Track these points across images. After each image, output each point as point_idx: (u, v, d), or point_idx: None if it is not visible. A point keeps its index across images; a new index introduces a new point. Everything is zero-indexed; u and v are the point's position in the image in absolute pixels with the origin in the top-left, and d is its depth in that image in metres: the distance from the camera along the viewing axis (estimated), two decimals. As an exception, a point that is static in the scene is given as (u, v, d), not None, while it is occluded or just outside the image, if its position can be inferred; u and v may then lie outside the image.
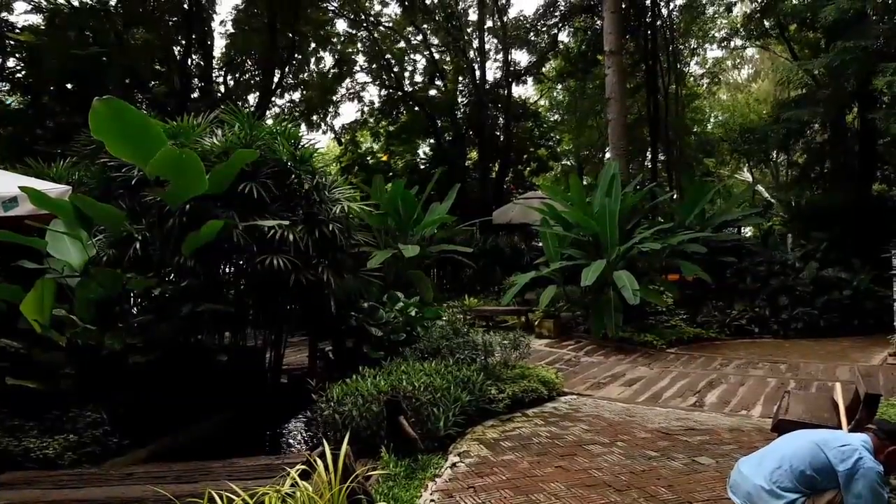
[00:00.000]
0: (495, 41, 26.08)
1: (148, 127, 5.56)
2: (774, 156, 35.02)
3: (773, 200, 24.75)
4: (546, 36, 25.94)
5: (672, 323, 11.67)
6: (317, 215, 6.48)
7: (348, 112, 61.90)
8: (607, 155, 33.49)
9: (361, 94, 25.44)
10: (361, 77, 25.79)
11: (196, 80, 15.41)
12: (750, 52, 36.65)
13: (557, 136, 31.29)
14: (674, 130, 26.37)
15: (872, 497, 3.00)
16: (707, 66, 33.20)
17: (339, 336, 7.11)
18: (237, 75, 18.01)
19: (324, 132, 26.13)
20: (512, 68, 26.14)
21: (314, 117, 25.37)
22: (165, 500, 3.41)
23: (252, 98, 19.67)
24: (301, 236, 6.27)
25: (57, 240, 5.71)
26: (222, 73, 17.59)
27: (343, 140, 26.94)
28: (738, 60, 37.21)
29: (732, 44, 28.11)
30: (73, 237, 5.70)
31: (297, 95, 23.67)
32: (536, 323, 11.41)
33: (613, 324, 10.22)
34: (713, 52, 43.41)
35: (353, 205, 6.73)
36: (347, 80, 25.25)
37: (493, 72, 26.50)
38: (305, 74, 23.46)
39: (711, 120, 34.93)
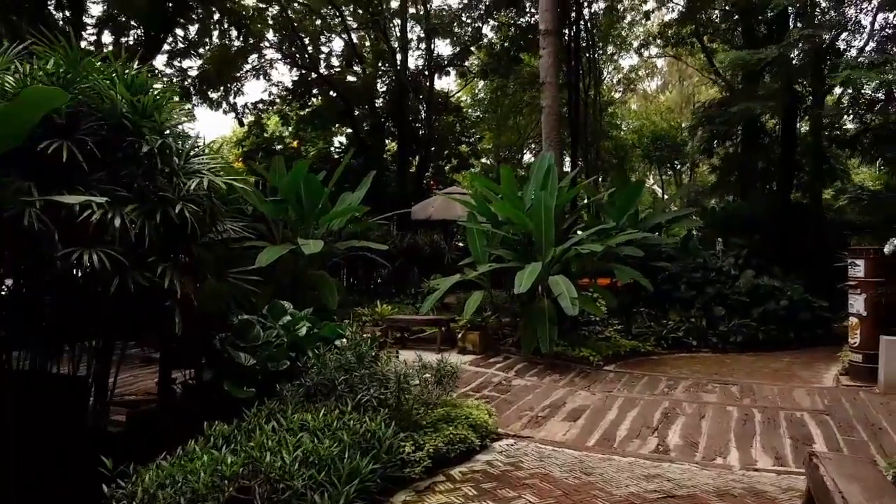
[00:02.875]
0: (418, 29, 24.16)
1: None
2: (678, 165, 35.15)
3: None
4: (470, 28, 24.26)
5: (606, 334, 10.15)
6: (159, 192, 4.32)
7: (254, 91, 56.91)
8: (527, 157, 32.64)
9: (269, 70, 22.77)
10: (271, 54, 23.13)
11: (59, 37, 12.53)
12: (660, 62, 36.65)
13: (478, 135, 29.80)
14: (592, 134, 25.44)
15: None
16: (623, 73, 32.71)
17: (197, 364, 4.97)
18: (118, 37, 15.15)
19: (225, 112, 23.24)
20: (435, 59, 24.28)
21: (213, 94, 22.50)
22: None
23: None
24: (133, 221, 4.11)
25: None
26: (96, 31, 14.68)
27: (246, 122, 24.14)
28: (649, 72, 37.08)
29: (647, 52, 27.66)
30: None
31: (191, 65, 20.70)
32: (459, 335, 9.57)
33: (548, 338, 8.52)
34: (627, 61, 43.58)
35: (220, 180, 4.57)
36: (254, 56, 22.54)
37: (414, 59, 24.56)
38: (205, 48, 20.64)
39: (624, 127, 34.44)
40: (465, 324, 9.63)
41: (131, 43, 15.58)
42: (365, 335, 6.70)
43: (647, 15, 24.79)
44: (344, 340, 5.92)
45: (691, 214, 12.91)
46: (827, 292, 11.55)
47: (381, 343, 6.93)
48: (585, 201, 12.21)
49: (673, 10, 23.35)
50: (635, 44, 27.52)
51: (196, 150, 4.90)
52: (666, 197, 33.92)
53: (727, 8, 20.05)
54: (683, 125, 35.10)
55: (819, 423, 6.12)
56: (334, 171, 12.38)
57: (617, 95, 33.03)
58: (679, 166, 35.32)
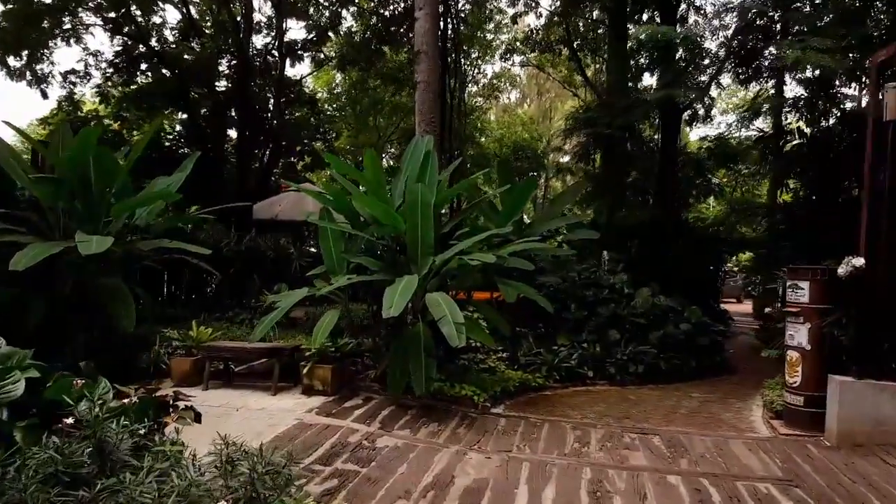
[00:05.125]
0: (268, 6, 21.17)
1: None
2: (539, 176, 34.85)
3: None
4: (327, 12, 21.66)
5: (490, 364, 8.16)
6: None
7: (69, 62, 48.21)
8: (387, 162, 30.46)
9: (82, 35, 18.61)
10: (90, 18, 18.94)
11: None
12: (520, 74, 36.27)
13: (334, 132, 27.13)
14: (458, 139, 23.91)
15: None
16: (487, 80, 31.74)
17: None
18: None
19: (29, 84, 18.69)
20: (287, 43, 21.35)
21: (13, 60, 17.98)
22: None
23: None
24: None
25: None
26: None
27: (58, 99, 19.71)
28: (510, 82, 36.58)
29: (511, 60, 26.79)
30: None
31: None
32: (306, 370, 7.03)
33: (423, 375, 6.31)
34: (490, 67, 43.08)
35: None
36: (68, 18, 18.29)
37: (262, 38, 21.50)
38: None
39: (484, 137, 33.51)
40: (314, 354, 7.14)
41: None
42: (134, 396, 4.09)
43: (514, 19, 23.68)
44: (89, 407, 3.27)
45: (584, 226, 11.36)
46: (706, 311, 10.57)
47: (168, 405, 4.28)
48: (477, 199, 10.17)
49: (541, 17, 22.51)
50: (501, 49, 26.56)
51: None
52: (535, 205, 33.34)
53: (596, 15, 19.43)
54: (545, 139, 34.94)
55: (795, 501, 4.46)
56: (165, 163, 9.44)
57: (479, 103, 31.95)
58: (540, 177, 34.99)
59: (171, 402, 4.46)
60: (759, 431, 6.37)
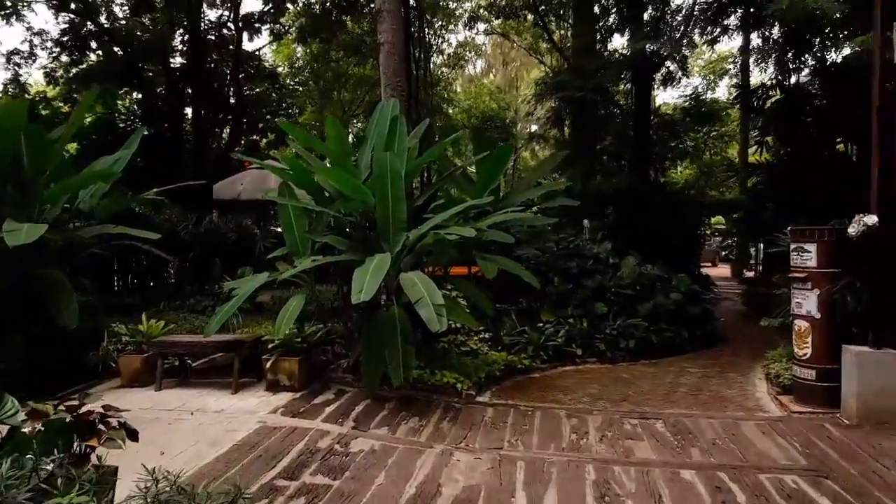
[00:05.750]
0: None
1: None
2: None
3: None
4: (284, -19, 20.34)
5: (471, 346, 7.46)
6: None
7: (12, 42, 44.35)
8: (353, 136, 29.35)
9: (22, 13, 17.12)
10: (30, -5, 17.42)
11: None
12: (483, 42, 35.16)
13: (297, 108, 25.91)
14: (426, 109, 22.97)
15: None
16: (452, 49, 30.61)
17: None
18: None
19: (-32, 64, 17.19)
20: (244, 16, 20.05)
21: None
22: None
23: None
24: None
25: None
26: None
27: (4, 81, 18.23)
28: (474, 53, 35.48)
29: (476, 28, 25.82)
30: None
31: None
32: (269, 363, 6.24)
33: (400, 363, 5.57)
34: (454, 37, 41.81)
35: None
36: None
37: (217, 11, 20.12)
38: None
39: (452, 109, 32.48)
40: (278, 345, 6.36)
41: None
42: (53, 413, 3.33)
43: (475, -18, 22.61)
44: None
45: (571, 188, 10.62)
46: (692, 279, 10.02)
47: (93, 425, 3.48)
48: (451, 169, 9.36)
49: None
50: (465, 17, 25.50)
51: None
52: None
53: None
54: (512, 108, 34.09)
55: (831, 498, 3.87)
56: (117, 144, 8.39)
57: (445, 74, 30.87)
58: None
59: (97, 420, 3.68)
60: (768, 410, 5.81)
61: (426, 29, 23.61)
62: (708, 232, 24.16)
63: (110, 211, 7.89)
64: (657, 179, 14.54)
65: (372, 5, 15.48)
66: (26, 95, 18.80)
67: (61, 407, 3.59)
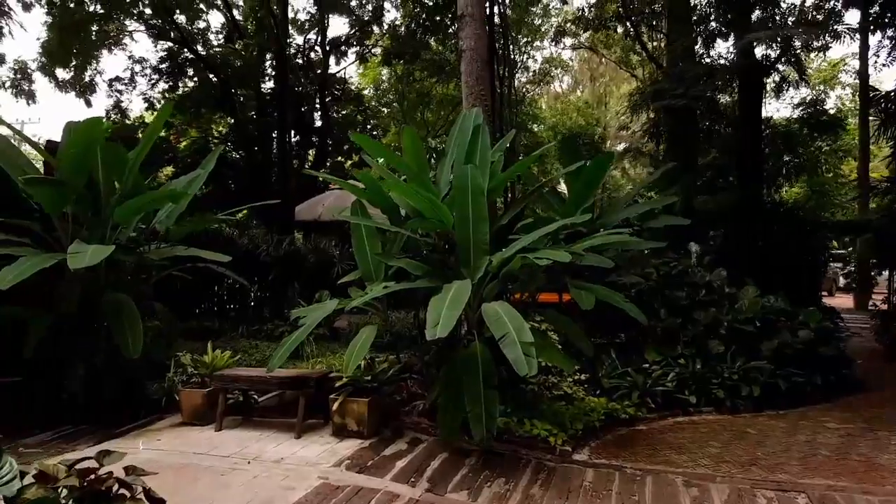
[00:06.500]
0: (310, 3, 19.94)
1: None
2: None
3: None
4: (370, 5, 20.28)
5: (565, 389, 6.42)
6: None
7: (115, 71, 47.26)
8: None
9: (124, 42, 17.83)
10: (133, 25, 18.17)
11: None
12: (570, 58, 33.97)
13: (382, 128, 25.83)
14: (511, 126, 22.18)
15: None
16: (538, 66, 29.71)
17: None
18: None
19: (78, 95, 18.03)
20: (330, 40, 20.12)
21: (62, 72, 17.33)
22: None
23: None
24: None
25: None
26: None
27: (107, 108, 19.02)
28: (560, 69, 34.40)
29: (562, 43, 24.89)
30: None
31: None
32: (336, 404, 5.50)
33: (483, 412, 4.65)
34: (540, 53, 40.77)
35: None
36: (112, 26, 17.53)
37: (304, 35, 20.27)
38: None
39: (537, 126, 31.51)
40: (347, 384, 5.62)
41: None
42: (63, 479, 2.69)
43: (564, -1, 21.70)
44: None
45: (673, 206, 9.32)
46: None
47: (107, 496, 2.79)
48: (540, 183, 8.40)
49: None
50: (551, 32, 24.61)
51: None
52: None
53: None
54: (601, 125, 32.75)
55: None
56: (215, 167, 8.08)
57: (529, 92, 29.99)
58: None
59: (113, 487, 3.02)
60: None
61: (510, 46, 22.94)
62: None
63: (186, 232, 7.51)
64: (772, 198, 12.92)
65: (455, 26, 14.98)
66: (126, 121, 19.59)
67: (73, 470, 2.96)
